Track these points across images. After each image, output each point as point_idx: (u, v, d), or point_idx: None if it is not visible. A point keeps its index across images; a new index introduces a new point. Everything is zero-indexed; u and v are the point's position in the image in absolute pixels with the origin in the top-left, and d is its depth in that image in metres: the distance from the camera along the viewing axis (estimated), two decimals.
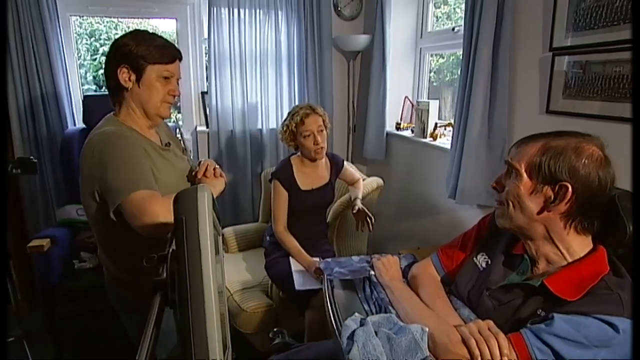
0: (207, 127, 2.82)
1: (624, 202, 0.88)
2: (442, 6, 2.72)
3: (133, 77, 1.15)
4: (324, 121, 1.90)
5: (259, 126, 2.84)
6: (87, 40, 3.83)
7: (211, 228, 0.55)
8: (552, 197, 0.85)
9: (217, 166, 1.31)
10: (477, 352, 0.79)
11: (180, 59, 1.23)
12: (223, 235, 2.34)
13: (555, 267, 0.88)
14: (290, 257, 1.86)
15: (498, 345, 0.78)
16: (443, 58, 2.80)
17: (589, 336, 0.74)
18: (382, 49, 2.57)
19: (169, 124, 1.86)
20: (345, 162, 2.12)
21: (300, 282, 1.73)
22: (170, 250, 0.64)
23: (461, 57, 1.93)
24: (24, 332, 1.99)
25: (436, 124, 2.39)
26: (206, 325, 0.51)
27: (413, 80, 2.80)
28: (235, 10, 2.60)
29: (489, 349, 0.78)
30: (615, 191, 0.88)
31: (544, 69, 1.63)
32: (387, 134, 2.73)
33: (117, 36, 1.19)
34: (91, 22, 3.79)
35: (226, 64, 2.66)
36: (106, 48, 1.19)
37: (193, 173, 1.30)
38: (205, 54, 2.79)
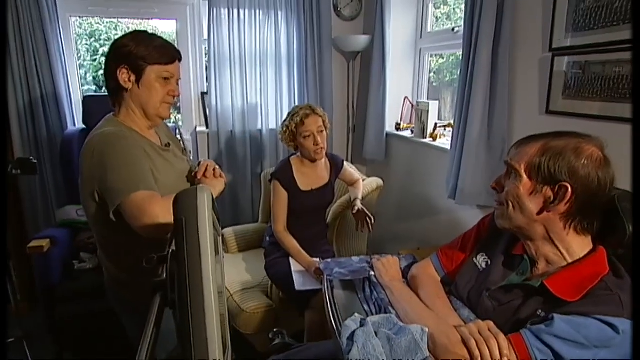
0: (207, 127, 2.82)
1: (623, 202, 0.88)
2: (441, 6, 2.72)
3: (133, 78, 1.15)
4: (323, 122, 1.90)
5: (259, 127, 2.84)
6: (87, 40, 3.83)
7: (211, 229, 0.55)
8: (552, 197, 0.85)
9: (217, 167, 1.31)
10: (477, 353, 0.78)
11: (180, 59, 1.23)
12: (223, 235, 2.34)
13: (555, 268, 0.88)
14: (290, 258, 1.86)
15: (498, 346, 0.78)
16: (443, 58, 2.80)
17: (588, 337, 0.75)
18: (381, 50, 2.57)
19: (169, 124, 1.86)
20: (345, 163, 2.12)
21: (300, 283, 1.73)
22: (170, 250, 0.64)
23: (461, 57, 1.93)
24: (24, 332, 1.99)
25: (436, 124, 2.39)
26: (206, 326, 0.51)
27: (413, 80, 2.80)
28: (235, 11, 2.60)
29: (489, 350, 0.78)
30: (614, 191, 0.88)
31: (543, 70, 1.63)
32: (386, 134, 2.73)
33: (117, 37, 1.19)
34: (91, 23, 3.78)
35: (226, 65, 2.66)
36: (106, 49, 1.19)
37: (193, 173, 1.30)
38: (205, 54, 2.79)
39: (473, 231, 1.12)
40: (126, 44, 1.14)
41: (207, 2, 2.56)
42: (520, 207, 0.88)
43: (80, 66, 3.14)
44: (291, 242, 1.88)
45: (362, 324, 0.89)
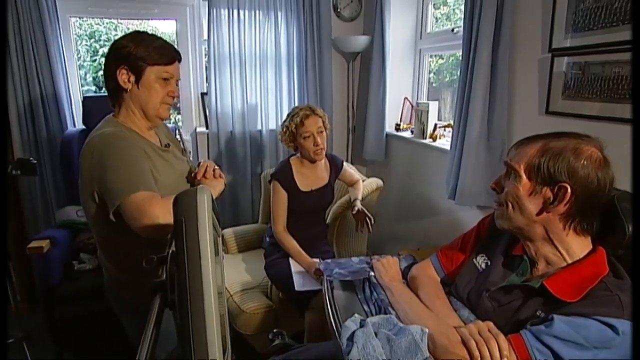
0: (207, 128, 2.82)
1: (623, 203, 0.88)
2: (441, 7, 2.72)
3: (132, 79, 1.15)
4: (323, 122, 1.90)
5: (259, 127, 2.84)
6: (86, 41, 3.83)
7: (211, 229, 0.55)
8: (551, 198, 0.85)
9: (217, 167, 1.31)
10: (477, 354, 0.78)
11: (180, 60, 1.23)
12: (223, 236, 2.34)
13: (554, 268, 0.88)
14: (290, 258, 1.86)
15: (498, 347, 0.78)
16: (442, 59, 2.81)
17: (588, 337, 0.75)
18: (381, 50, 2.57)
19: (169, 125, 1.86)
20: (344, 163, 2.12)
21: (300, 283, 1.73)
22: (170, 251, 0.64)
23: (461, 58, 1.93)
24: (24, 333, 1.99)
25: (436, 124, 2.39)
26: (206, 327, 0.51)
27: (412, 81, 2.80)
28: (235, 12, 2.60)
29: (488, 350, 0.78)
30: (614, 192, 0.88)
31: (543, 70, 1.63)
32: (386, 134, 2.73)
33: (116, 37, 1.19)
34: (91, 24, 3.79)
35: (226, 65, 2.66)
36: (106, 49, 1.19)
37: (192, 174, 1.30)
38: (205, 55, 2.79)
39: (473, 232, 1.12)
40: (126, 45, 1.13)
41: (207, 2, 2.56)
42: (519, 208, 0.88)
43: (80, 67, 3.15)
44: (291, 243, 1.87)
45: (362, 324, 0.89)
